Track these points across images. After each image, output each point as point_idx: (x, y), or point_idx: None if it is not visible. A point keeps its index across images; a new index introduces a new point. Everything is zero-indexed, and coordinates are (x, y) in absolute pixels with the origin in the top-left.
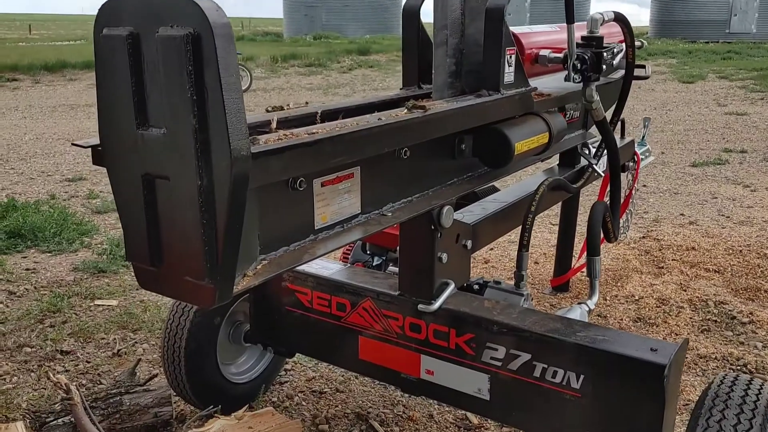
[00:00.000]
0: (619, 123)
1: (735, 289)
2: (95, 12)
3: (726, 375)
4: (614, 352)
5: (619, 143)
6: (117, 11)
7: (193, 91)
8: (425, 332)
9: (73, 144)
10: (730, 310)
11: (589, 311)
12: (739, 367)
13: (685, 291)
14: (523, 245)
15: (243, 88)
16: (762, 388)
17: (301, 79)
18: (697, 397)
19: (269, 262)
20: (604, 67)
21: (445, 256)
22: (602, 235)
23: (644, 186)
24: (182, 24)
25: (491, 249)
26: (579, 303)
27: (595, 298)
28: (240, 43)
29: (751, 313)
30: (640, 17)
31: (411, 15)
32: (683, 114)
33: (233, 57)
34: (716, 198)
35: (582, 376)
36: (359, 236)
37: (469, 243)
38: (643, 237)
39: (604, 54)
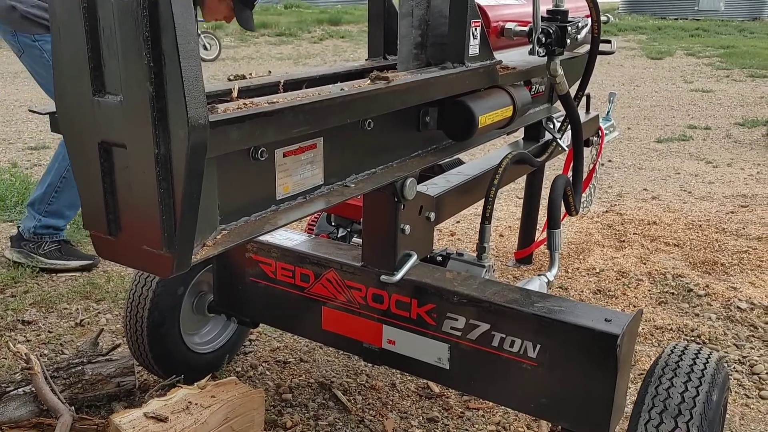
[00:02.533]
0: (585, 98)
1: (693, 263)
2: None
3: (676, 345)
4: (569, 322)
5: (583, 118)
6: None
7: (149, 58)
8: (387, 303)
9: (30, 110)
10: (687, 283)
11: (549, 282)
12: (692, 338)
13: (644, 264)
14: (486, 217)
15: (212, 57)
16: (709, 358)
17: (271, 49)
18: None
19: (229, 231)
20: (569, 41)
21: (407, 228)
22: (564, 209)
23: (609, 161)
24: None
25: (457, 222)
26: (539, 275)
27: (555, 270)
28: None
29: (707, 286)
30: None
31: None
32: (650, 90)
33: (191, 23)
34: (679, 174)
35: (538, 346)
36: (321, 207)
37: (432, 215)
38: (607, 211)
39: (569, 28)
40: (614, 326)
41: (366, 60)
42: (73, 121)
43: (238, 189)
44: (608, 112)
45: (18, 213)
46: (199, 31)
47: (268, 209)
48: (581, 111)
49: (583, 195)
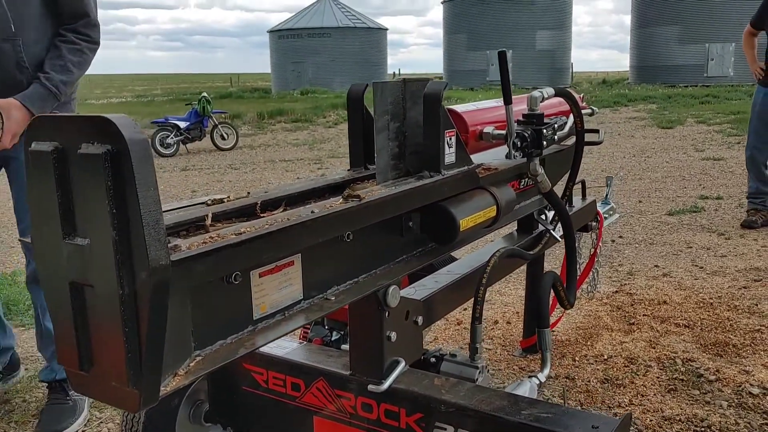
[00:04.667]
0: (580, 184)
1: (704, 345)
2: (88, 72)
3: None
4: None
5: (580, 204)
6: (45, 127)
7: (112, 205)
8: (377, 412)
9: (19, 240)
10: (697, 368)
11: (540, 384)
12: (703, 429)
13: (654, 348)
14: (476, 318)
15: (229, 146)
16: None
17: (287, 135)
18: None
19: (204, 358)
20: (545, 143)
21: (393, 335)
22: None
23: (620, 237)
24: (102, 141)
25: (465, 309)
26: (530, 376)
27: (547, 371)
28: (228, 100)
29: (717, 371)
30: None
31: (355, 100)
32: (661, 160)
33: (150, 172)
34: (691, 248)
35: None
36: (301, 323)
37: (420, 319)
38: (616, 291)
39: (545, 131)
40: None
41: (348, 170)
42: (47, 260)
43: (212, 313)
44: (606, 195)
45: (30, 317)
46: (217, 122)
47: (245, 330)
48: (578, 198)
49: (587, 281)
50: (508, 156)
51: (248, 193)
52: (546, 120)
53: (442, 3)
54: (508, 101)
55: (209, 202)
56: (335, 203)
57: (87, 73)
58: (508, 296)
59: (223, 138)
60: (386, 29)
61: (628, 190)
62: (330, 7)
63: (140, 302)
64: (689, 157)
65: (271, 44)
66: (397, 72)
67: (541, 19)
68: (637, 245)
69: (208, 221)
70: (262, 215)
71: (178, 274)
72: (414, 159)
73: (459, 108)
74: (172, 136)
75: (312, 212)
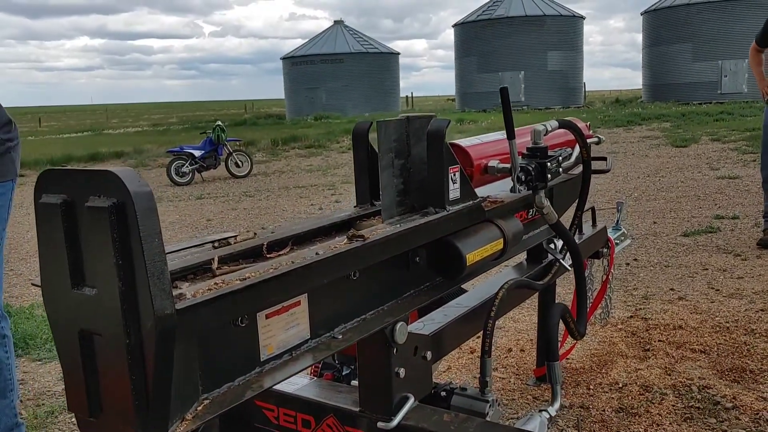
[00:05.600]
0: (590, 211)
1: (720, 371)
2: (105, 102)
3: None
4: None
5: (590, 232)
6: (54, 180)
7: (119, 256)
8: None
9: (32, 284)
10: (713, 395)
11: (550, 419)
12: None
13: (669, 375)
14: (485, 351)
15: (244, 174)
16: None
17: (301, 161)
18: None
19: (211, 401)
20: (549, 176)
21: (402, 371)
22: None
23: (635, 260)
24: (108, 194)
25: (479, 337)
26: (540, 410)
27: (557, 404)
28: (243, 127)
29: (734, 398)
30: (634, 80)
31: (360, 137)
32: (676, 180)
33: (154, 224)
34: (707, 269)
35: None
36: (309, 363)
37: (428, 354)
38: (631, 317)
39: (549, 164)
40: None
41: (354, 207)
42: (57, 309)
43: (219, 356)
44: (617, 221)
45: (47, 351)
46: (231, 150)
47: (252, 372)
48: (588, 225)
49: (599, 308)
50: (512, 190)
51: (255, 234)
52: (550, 152)
53: (453, 26)
54: (511, 136)
55: (216, 244)
56: (340, 244)
57: (103, 102)
58: (521, 323)
59: (237, 165)
60: (398, 54)
61: (642, 211)
62: (342, 33)
63: (146, 350)
64: (704, 176)
65: (284, 71)
66: (409, 95)
67: (552, 40)
68: (652, 268)
69: (215, 264)
70: (268, 256)
71: (183, 321)
72: (419, 194)
73: (464, 142)
74: (187, 164)
75: (317, 254)
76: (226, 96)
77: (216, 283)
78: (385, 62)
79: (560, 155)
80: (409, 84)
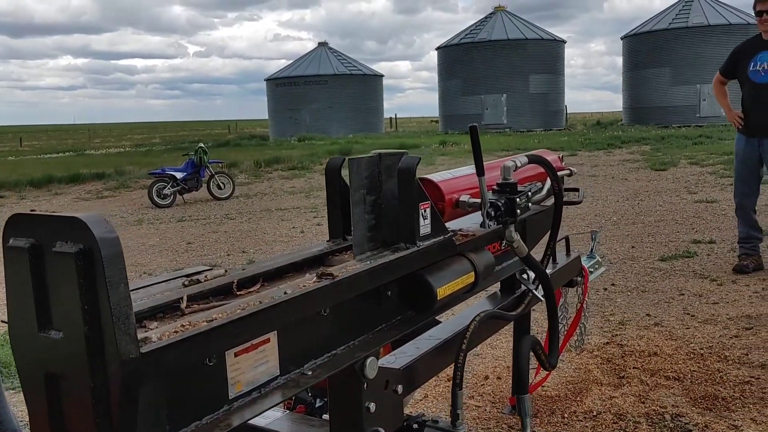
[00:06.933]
0: (564, 241)
1: (693, 398)
2: (87, 121)
3: None
4: None
5: (564, 261)
6: (22, 224)
7: (84, 301)
8: None
9: (1, 321)
10: (686, 423)
11: None
12: None
13: (643, 403)
14: (457, 384)
15: (226, 196)
16: None
17: (283, 183)
18: None
19: None
20: (519, 211)
21: (372, 406)
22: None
23: (612, 285)
24: (75, 240)
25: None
26: None
27: None
28: (226, 148)
29: (706, 426)
30: (615, 103)
31: (333, 173)
32: (655, 204)
33: (120, 269)
34: (683, 295)
35: None
36: (278, 400)
37: (399, 388)
38: (607, 343)
39: (518, 199)
40: None
41: (327, 242)
42: (24, 351)
43: (187, 395)
44: (591, 250)
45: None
46: (213, 172)
47: (221, 410)
48: (562, 254)
49: (574, 336)
50: (482, 225)
51: (226, 270)
52: (520, 187)
53: (436, 49)
54: (480, 173)
55: (186, 282)
56: (309, 282)
57: (86, 122)
58: (499, 349)
59: (219, 188)
60: (382, 75)
61: (621, 235)
62: (327, 55)
63: (111, 394)
64: (682, 200)
65: (268, 92)
66: (393, 117)
67: (534, 64)
68: (629, 293)
69: (183, 304)
70: (239, 294)
71: (149, 364)
72: (390, 230)
73: (436, 177)
74: (169, 186)
75: (285, 293)
76: (210, 116)
77: (183, 325)
78: (369, 84)
79: (530, 190)
80: (393, 105)
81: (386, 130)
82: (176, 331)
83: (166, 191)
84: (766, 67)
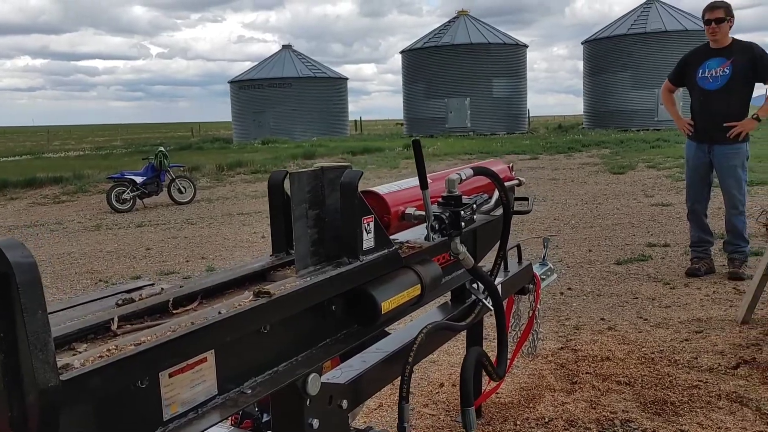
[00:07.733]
0: (516, 248)
1: (643, 403)
2: (47, 123)
3: None
4: None
5: (515, 269)
6: None
7: (1, 329)
8: None
9: None
10: (634, 429)
11: None
12: None
13: (594, 409)
14: (403, 396)
15: (186, 200)
16: None
17: (246, 187)
18: None
19: None
20: (463, 224)
21: (316, 422)
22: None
23: (569, 289)
24: None
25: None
26: None
27: None
28: (188, 152)
29: (654, 431)
30: (577, 107)
31: (275, 187)
32: (612, 207)
33: (38, 295)
34: (637, 298)
35: None
36: (216, 420)
37: (344, 403)
38: (562, 348)
39: (462, 212)
40: None
41: (270, 256)
42: None
43: (118, 419)
44: (543, 257)
45: None
46: (174, 176)
47: None
48: (514, 262)
49: (526, 343)
50: (427, 238)
51: (162, 289)
52: (466, 199)
53: (400, 53)
54: (424, 186)
55: (119, 301)
56: (246, 300)
57: (46, 124)
58: (454, 356)
59: (180, 192)
60: (346, 78)
61: (579, 239)
62: (291, 58)
63: (30, 423)
64: (639, 203)
65: (231, 94)
66: (358, 120)
67: (497, 68)
68: (584, 297)
69: (114, 325)
70: (175, 312)
71: (70, 392)
72: (334, 244)
73: (381, 189)
74: (128, 191)
75: (219, 313)
76: (173, 118)
77: (109, 350)
78: (334, 86)
79: (475, 202)
80: (358, 108)
81: (351, 133)
82: (101, 356)
83: (126, 196)
84: (714, 74)
